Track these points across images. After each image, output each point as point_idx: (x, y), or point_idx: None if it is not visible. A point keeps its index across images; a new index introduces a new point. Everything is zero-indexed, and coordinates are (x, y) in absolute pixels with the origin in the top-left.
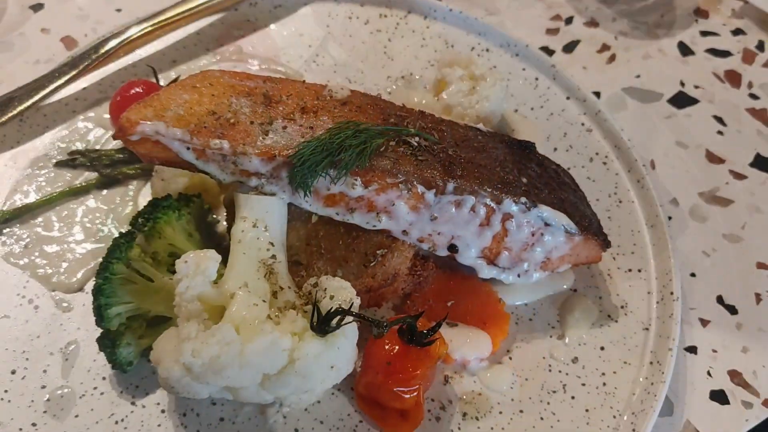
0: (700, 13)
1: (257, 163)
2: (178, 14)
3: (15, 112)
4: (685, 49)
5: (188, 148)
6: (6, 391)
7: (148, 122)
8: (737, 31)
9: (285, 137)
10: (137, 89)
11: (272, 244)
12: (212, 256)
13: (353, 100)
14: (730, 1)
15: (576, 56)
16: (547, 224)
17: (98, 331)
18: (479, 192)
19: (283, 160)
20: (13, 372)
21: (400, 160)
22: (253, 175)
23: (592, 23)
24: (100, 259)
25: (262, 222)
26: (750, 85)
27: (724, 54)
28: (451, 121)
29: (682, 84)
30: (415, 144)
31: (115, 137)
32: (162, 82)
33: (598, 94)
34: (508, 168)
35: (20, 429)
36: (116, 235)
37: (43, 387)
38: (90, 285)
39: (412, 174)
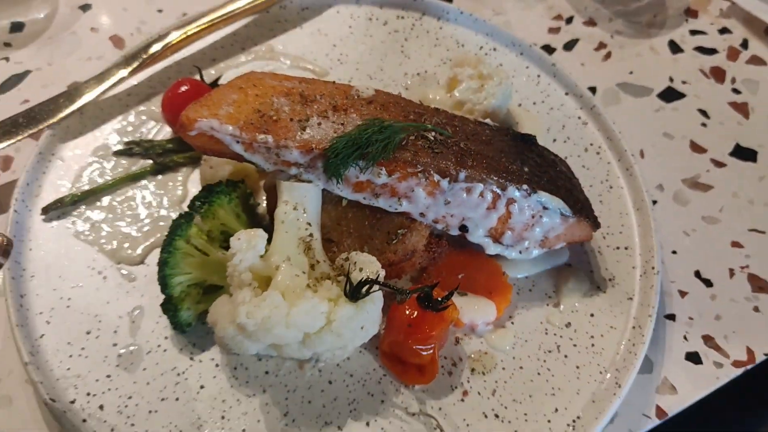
0: (690, 13)
1: (297, 154)
2: (216, 18)
3: (77, 105)
4: (675, 47)
5: (237, 142)
6: (83, 348)
7: (205, 119)
8: (724, 30)
9: (320, 132)
10: (185, 87)
11: (309, 224)
12: (261, 234)
13: (377, 98)
14: (718, 2)
15: (575, 53)
16: (545, 208)
17: (160, 298)
18: (487, 180)
19: (319, 153)
20: (88, 332)
21: (419, 153)
22: (292, 165)
23: (591, 23)
24: (158, 236)
25: (301, 205)
26: (733, 81)
27: (711, 51)
28: (462, 116)
29: (671, 80)
30: (432, 138)
31: (175, 132)
32: (205, 79)
33: (594, 89)
34: (512, 158)
35: (97, 380)
36: (169, 214)
37: (115, 345)
38: (149, 258)
39: (429, 164)
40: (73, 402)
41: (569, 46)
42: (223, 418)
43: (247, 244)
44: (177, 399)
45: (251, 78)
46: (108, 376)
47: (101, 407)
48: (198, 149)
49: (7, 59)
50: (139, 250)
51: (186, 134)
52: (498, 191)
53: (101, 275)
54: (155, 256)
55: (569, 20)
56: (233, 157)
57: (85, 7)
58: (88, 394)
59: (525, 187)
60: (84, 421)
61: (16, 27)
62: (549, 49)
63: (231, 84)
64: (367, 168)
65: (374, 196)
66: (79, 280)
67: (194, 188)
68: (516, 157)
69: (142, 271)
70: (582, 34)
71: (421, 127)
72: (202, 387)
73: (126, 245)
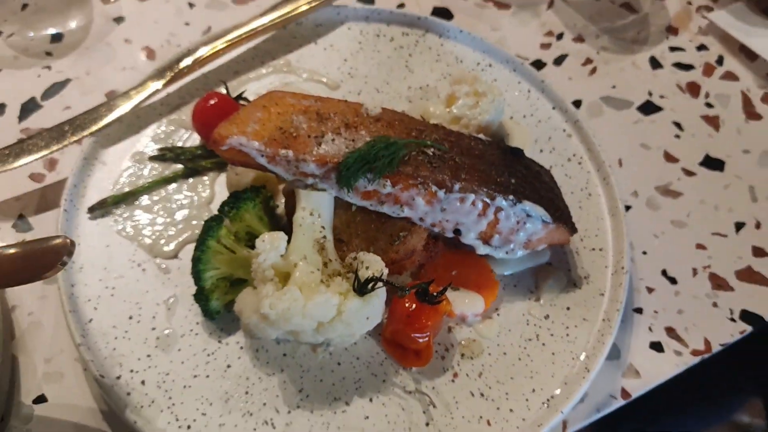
0: (671, 30)
1: (313, 167)
2: (240, 35)
3: (116, 115)
4: (655, 63)
5: (262, 155)
6: (126, 331)
7: (235, 137)
8: (701, 47)
9: (334, 148)
10: (213, 101)
11: (323, 227)
12: (282, 236)
13: (384, 116)
14: (698, 19)
15: (564, 68)
16: (528, 215)
17: (192, 289)
18: (478, 191)
19: (333, 166)
20: (130, 317)
21: (419, 167)
22: (309, 176)
23: (579, 39)
24: (189, 233)
25: (316, 211)
26: (707, 95)
27: (688, 67)
28: (458, 132)
29: (650, 94)
30: (431, 153)
31: (209, 147)
32: (231, 92)
33: (580, 102)
34: (501, 171)
35: (138, 359)
36: (199, 214)
37: (153, 329)
38: (182, 253)
39: (428, 177)
40: (118, 378)
41: (559, 61)
42: (247, 393)
43: (271, 245)
44: (207, 376)
45: (273, 97)
46: (148, 356)
47: (143, 382)
48: (227, 161)
49: (49, 68)
50: (172, 246)
51: (218, 149)
52: (487, 201)
53: (140, 267)
54: (187, 251)
55: (560, 36)
56: (258, 168)
57: (118, 20)
58: (132, 370)
59: (511, 197)
60: (128, 394)
61: (56, 38)
62: (540, 64)
63: (255, 103)
64: (374, 180)
65: (380, 203)
66: (121, 271)
67: (220, 190)
68: (504, 169)
69: (175, 264)
70: (571, 50)
71: (421, 144)
72: (228, 366)
73: (162, 241)
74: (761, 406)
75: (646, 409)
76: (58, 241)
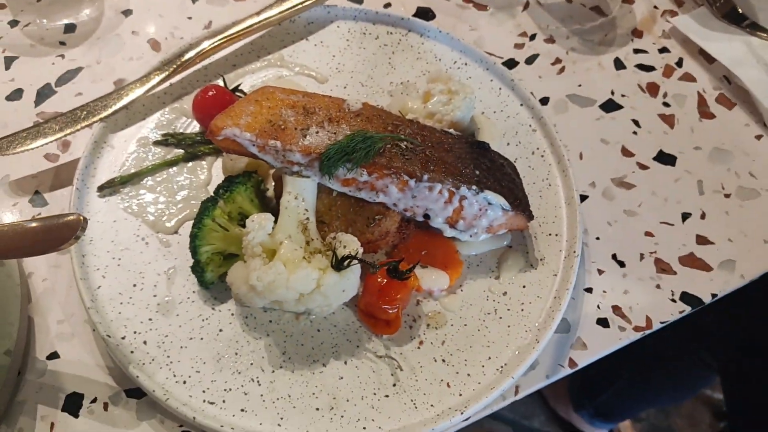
0: (636, 33)
1: (299, 156)
2: (238, 31)
3: (124, 102)
4: (619, 64)
5: (253, 145)
6: (130, 297)
7: (229, 128)
8: (663, 50)
9: (317, 139)
10: (211, 92)
11: (307, 210)
12: (269, 217)
13: (364, 112)
14: (662, 23)
15: (534, 67)
16: (490, 203)
17: (190, 261)
18: (444, 181)
19: (316, 156)
20: (134, 285)
21: (393, 159)
22: (295, 164)
23: (550, 40)
24: (188, 211)
25: (300, 195)
26: (665, 95)
27: (649, 69)
28: (430, 127)
29: (612, 93)
30: (404, 146)
31: (206, 137)
32: (228, 84)
33: (547, 99)
34: (467, 163)
35: (141, 322)
36: (197, 194)
37: (155, 296)
38: (182, 229)
39: (401, 168)
40: (123, 338)
41: (530, 60)
42: (236, 354)
43: (259, 224)
44: (201, 338)
45: (265, 92)
46: (150, 319)
47: (145, 342)
48: (222, 149)
49: (63, 56)
50: (173, 222)
51: (214, 138)
52: (453, 190)
53: (144, 241)
54: (186, 227)
55: (532, 37)
56: (249, 156)
57: (127, 12)
58: (135, 332)
59: (474, 187)
60: (132, 352)
61: (69, 28)
62: (513, 62)
63: (249, 97)
64: (352, 169)
65: (357, 189)
66: (126, 244)
67: (217, 174)
68: (470, 161)
69: (175, 239)
70: (542, 50)
71: (396, 138)
72: (221, 330)
73: (163, 218)
74: (719, 379)
75: (618, 385)
76: (73, 217)
